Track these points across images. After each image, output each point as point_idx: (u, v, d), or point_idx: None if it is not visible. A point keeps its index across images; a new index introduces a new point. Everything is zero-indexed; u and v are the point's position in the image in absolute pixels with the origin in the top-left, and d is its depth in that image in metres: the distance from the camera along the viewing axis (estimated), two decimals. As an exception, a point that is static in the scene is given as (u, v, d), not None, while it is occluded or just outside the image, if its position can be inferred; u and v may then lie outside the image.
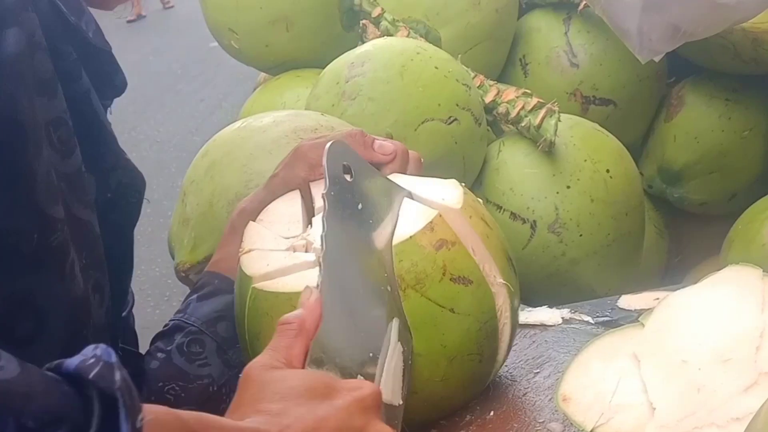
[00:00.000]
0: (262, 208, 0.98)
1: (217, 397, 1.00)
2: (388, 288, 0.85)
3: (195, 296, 1.04)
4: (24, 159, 0.73)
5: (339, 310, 0.80)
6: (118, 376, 0.57)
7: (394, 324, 0.83)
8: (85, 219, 0.83)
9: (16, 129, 0.73)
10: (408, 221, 0.89)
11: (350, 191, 0.86)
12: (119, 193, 0.92)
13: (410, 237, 0.87)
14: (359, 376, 0.78)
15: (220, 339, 1.01)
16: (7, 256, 0.73)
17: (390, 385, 0.80)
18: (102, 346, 0.59)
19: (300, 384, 0.70)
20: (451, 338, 0.89)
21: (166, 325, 1.04)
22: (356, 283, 0.84)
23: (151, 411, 0.60)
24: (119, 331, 0.96)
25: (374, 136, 1.02)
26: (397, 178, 0.97)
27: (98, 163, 0.88)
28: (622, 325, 1.05)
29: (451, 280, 0.87)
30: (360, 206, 0.87)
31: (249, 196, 1.06)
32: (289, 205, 0.97)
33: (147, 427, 0.57)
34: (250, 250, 0.91)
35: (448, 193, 0.93)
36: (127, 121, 6.23)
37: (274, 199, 0.99)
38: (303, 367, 0.75)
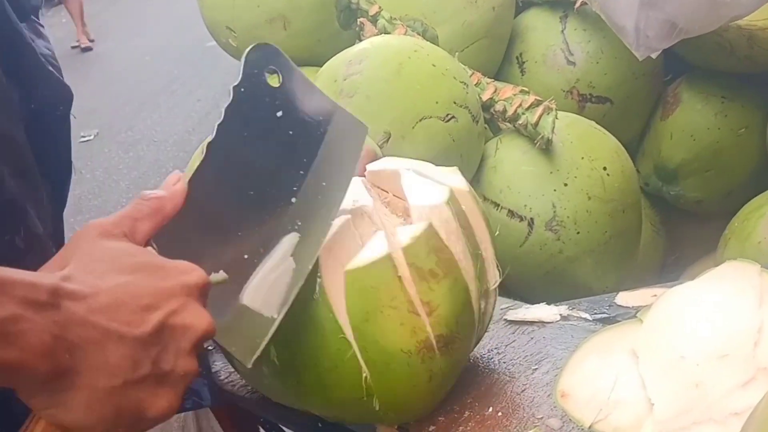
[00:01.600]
0: None
1: None
2: (293, 201, 0.84)
3: None
4: None
5: (215, 203, 0.80)
6: None
7: (290, 237, 0.82)
8: (6, 131, 0.82)
9: None
10: None
11: (271, 96, 0.85)
12: (44, 104, 0.90)
13: None
14: (221, 270, 0.77)
15: None
16: None
17: (263, 292, 0.80)
18: None
19: (130, 258, 0.69)
20: None
21: None
22: (246, 183, 0.82)
23: None
24: (61, 236, 0.95)
25: None
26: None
27: (19, 76, 0.86)
28: (620, 321, 1.05)
29: None
30: (280, 114, 0.85)
31: None
32: None
33: None
34: None
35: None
36: (124, 121, 6.22)
37: None
38: (143, 246, 0.74)
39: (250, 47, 0.85)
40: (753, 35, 1.83)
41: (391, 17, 1.79)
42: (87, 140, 6.02)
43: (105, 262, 0.68)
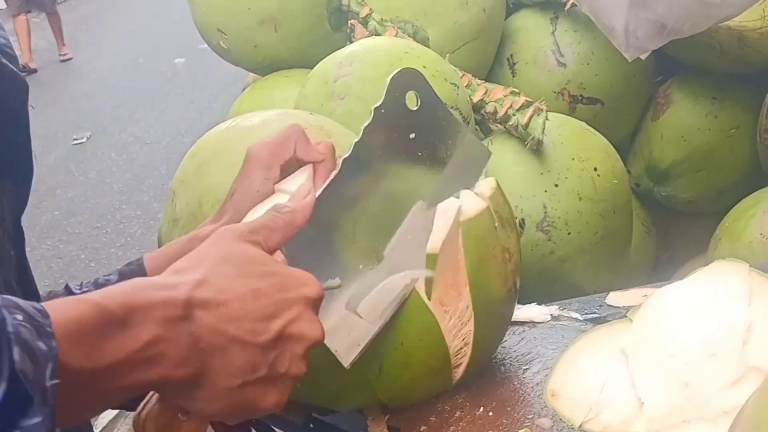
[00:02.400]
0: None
1: None
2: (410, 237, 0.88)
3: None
4: None
5: (341, 216, 0.84)
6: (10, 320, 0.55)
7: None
8: None
9: None
10: None
11: (408, 118, 0.88)
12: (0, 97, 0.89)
13: None
14: (336, 277, 0.82)
15: None
16: None
17: (373, 303, 0.84)
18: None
19: (260, 266, 0.74)
20: None
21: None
22: (373, 200, 0.86)
23: (64, 308, 0.59)
24: (21, 236, 0.92)
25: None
26: None
27: None
28: (610, 321, 1.05)
29: None
30: (413, 135, 0.89)
31: (207, 221, 1.01)
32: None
33: (61, 339, 0.56)
34: None
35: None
36: (117, 123, 6.21)
37: (239, 218, 0.95)
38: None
39: (396, 71, 0.87)
40: (743, 36, 1.84)
41: (381, 19, 1.79)
42: (80, 143, 6.01)
43: (238, 266, 0.72)
